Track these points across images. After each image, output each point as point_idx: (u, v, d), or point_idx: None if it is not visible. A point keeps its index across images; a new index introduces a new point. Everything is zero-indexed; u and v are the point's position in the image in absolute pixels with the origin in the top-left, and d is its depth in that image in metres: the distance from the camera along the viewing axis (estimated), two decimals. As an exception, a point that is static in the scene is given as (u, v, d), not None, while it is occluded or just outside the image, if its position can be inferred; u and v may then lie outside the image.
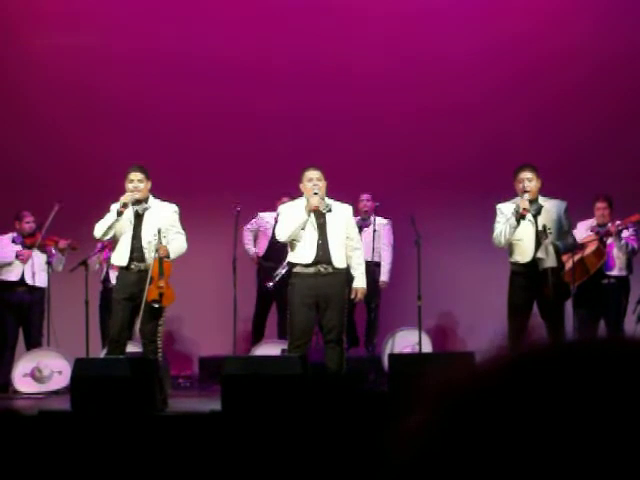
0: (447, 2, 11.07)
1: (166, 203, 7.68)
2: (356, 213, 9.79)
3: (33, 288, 9.37)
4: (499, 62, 10.83)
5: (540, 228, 7.39)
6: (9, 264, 9.33)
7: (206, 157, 10.88)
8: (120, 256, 7.53)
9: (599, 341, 0.72)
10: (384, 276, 9.68)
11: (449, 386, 0.71)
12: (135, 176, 7.52)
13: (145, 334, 7.48)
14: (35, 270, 9.33)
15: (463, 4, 11.04)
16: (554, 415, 0.65)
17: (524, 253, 7.47)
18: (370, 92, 10.85)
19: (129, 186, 7.49)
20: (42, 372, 9.05)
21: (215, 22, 11.07)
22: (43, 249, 9.38)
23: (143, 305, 7.30)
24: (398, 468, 0.69)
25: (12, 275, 9.34)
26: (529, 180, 7.46)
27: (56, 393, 8.87)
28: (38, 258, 9.37)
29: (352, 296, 7.51)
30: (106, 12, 11.03)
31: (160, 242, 7.41)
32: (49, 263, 9.38)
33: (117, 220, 7.40)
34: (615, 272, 8.79)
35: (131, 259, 7.48)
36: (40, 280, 9.38)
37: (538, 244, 7.40)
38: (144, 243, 7.49)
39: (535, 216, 7.44)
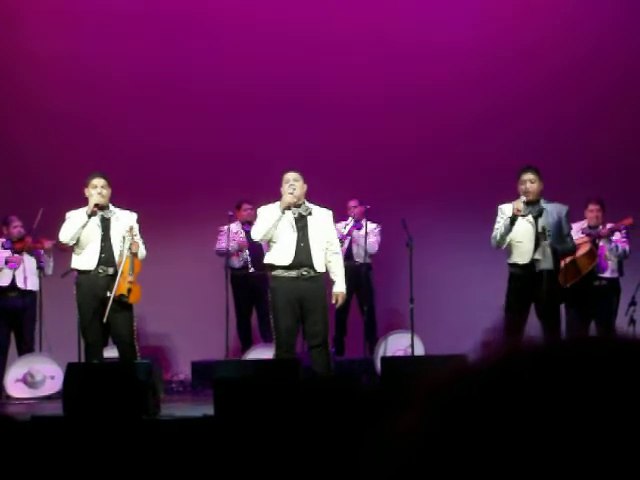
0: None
1: (127, 211, 7.74)
2: (345, 219, 9.80)
3: (25, 292, 9.33)
4: (490, 60, 10.86)
5: (540, 230, 7.40)
6: None
7: (200, 159, 10.87)
8: (88, 261, 7.56)
9: (589, 340, 0.72)
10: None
11: (439, 385, 0.72)
12: (99, 182, 7.60)
13: (123, 338, 7.52)
14: (27, 274, 9.30)
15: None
16: (543, 414, 0.66)
17: (523, 254, 7.48)
18: (364, 95, 10.86)
19: (92, 192, 7.55)
20: (34, 377, 9.03)
21: (213, 27, 11.08)
22: (33, 253, 9.35)
23: (112, 298, 7.36)
24: (388, 469, 0.70)
25: (3, 280, 9.31)
26: (531, 182, 7.48)
27: (49, 398, 8.85)
28: (29, 262, 9.34)
29: (333, 301, 7.51)
30: (105, 13, 11.03)
31: (132, 238, 7.50)
32: (40, 268, 9.35)
33: (87, 222, 7.46)
34: (607, 274, 8.83)
35: (99, 263, 7.54)
36: (32, 284, 9.35)
37: (537, 246, 7.41)
38: (114, 247, 7.55)
39: (536, 218, 7.44)
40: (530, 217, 7.47)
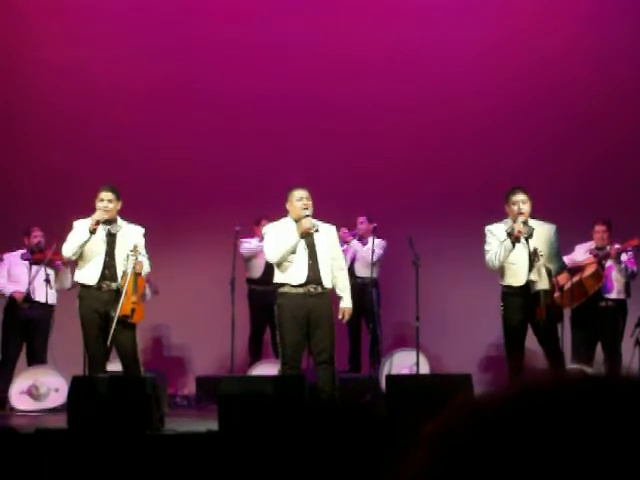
0: (443, 10, 11.13)
1: (134, 225, 7.73)
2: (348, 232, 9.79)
3: (40, 305, 9.29)
4: (500, 81, 10.88)
5: (532, 251, 7.35)
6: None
7: (203, 175, 10.89)
8: (90, 275, 7.54)
9: (597, 380, 0.72)
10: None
11: (447, 425, 0.71)
12: (106, 196, 7.57)
13: (127, 354, 7.51)
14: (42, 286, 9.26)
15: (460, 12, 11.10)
16: (552, 456, 0.65)
17: (518, 276, 7.38)
18: (369, 110, 10.88)
19: (99, 205, 7.53)
20: (39, 390, 9.02)
21: (210, 40, 11.12)
22: (52, 266, 9.29)
23: (116, 320, 7.34)
24: None
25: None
26: (523, 202, 7.38)
27: (53, 411, 8.84)
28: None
29: (339, 317, 7.49)
30: (115, 24, 11.08)
31: (137, 258, 7.47)
32: (47, 280, 9.23)
33: (89, 238, 7.44)
34: (613, 295, 8.80)
35: (102, 278, 7.52)
36: (49, 297, 9.26)
37: (532, 267, 7.35)
38: (117, 263, 7.53)
39: (527, 239, 7.34)
40: (522, 238, 7.35)
